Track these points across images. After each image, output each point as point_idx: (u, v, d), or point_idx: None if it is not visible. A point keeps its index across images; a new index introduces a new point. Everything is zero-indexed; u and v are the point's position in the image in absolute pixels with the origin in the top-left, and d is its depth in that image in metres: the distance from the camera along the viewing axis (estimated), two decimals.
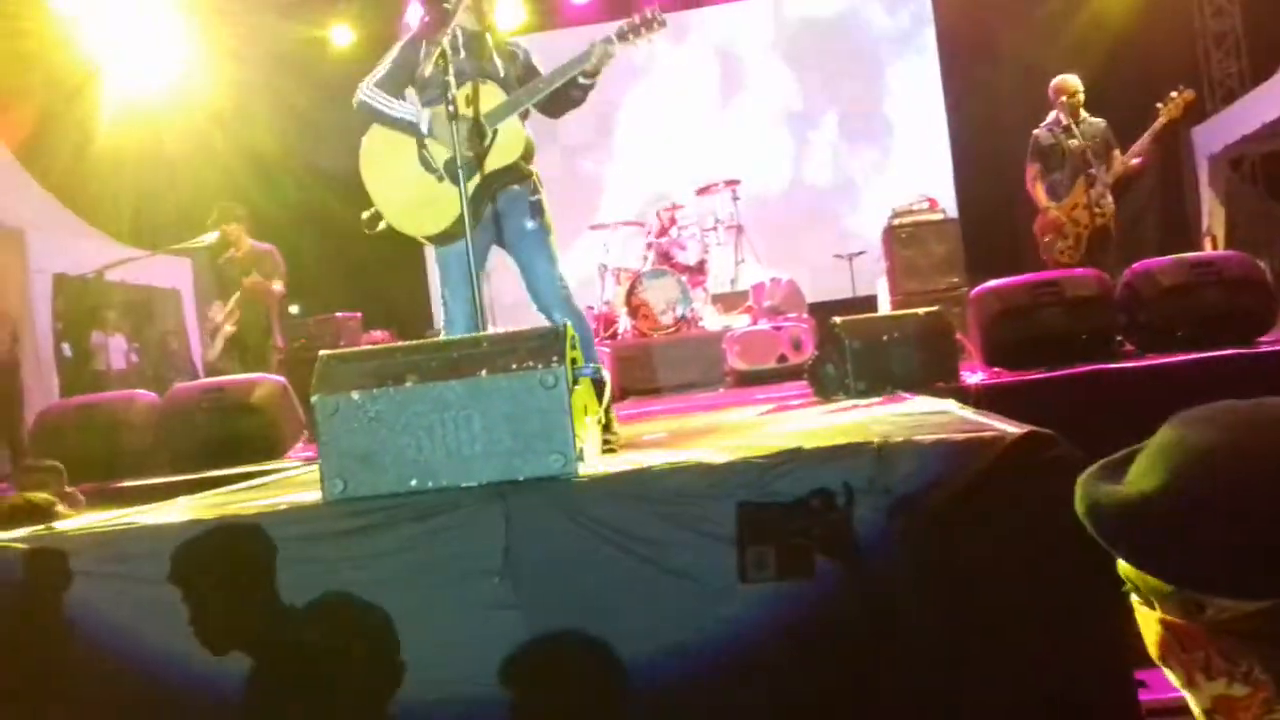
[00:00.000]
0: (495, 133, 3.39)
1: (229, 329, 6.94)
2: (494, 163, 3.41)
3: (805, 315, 8.01)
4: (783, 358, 7.11)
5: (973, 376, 4.70)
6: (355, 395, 2.23)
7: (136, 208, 10.70)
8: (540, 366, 2.19)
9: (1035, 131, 6.88)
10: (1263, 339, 4.75)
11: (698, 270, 8.52)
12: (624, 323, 8.22)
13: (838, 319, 4.41)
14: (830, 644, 2.13)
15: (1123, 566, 1.05)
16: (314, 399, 2.27)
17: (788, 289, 8.41)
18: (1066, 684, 2.08)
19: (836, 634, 2.13)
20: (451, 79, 3.15)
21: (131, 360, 9.65)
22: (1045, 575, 2.09)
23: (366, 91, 3.49)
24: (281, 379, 5.91)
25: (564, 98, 3.47)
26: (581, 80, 3.42)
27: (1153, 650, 1.06)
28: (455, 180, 3.27)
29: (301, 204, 10.13)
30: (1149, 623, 1.03)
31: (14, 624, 2.24)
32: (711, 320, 8.33)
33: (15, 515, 2.89)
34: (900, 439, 2.22)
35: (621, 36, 3.44)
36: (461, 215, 3.22)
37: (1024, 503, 2.08)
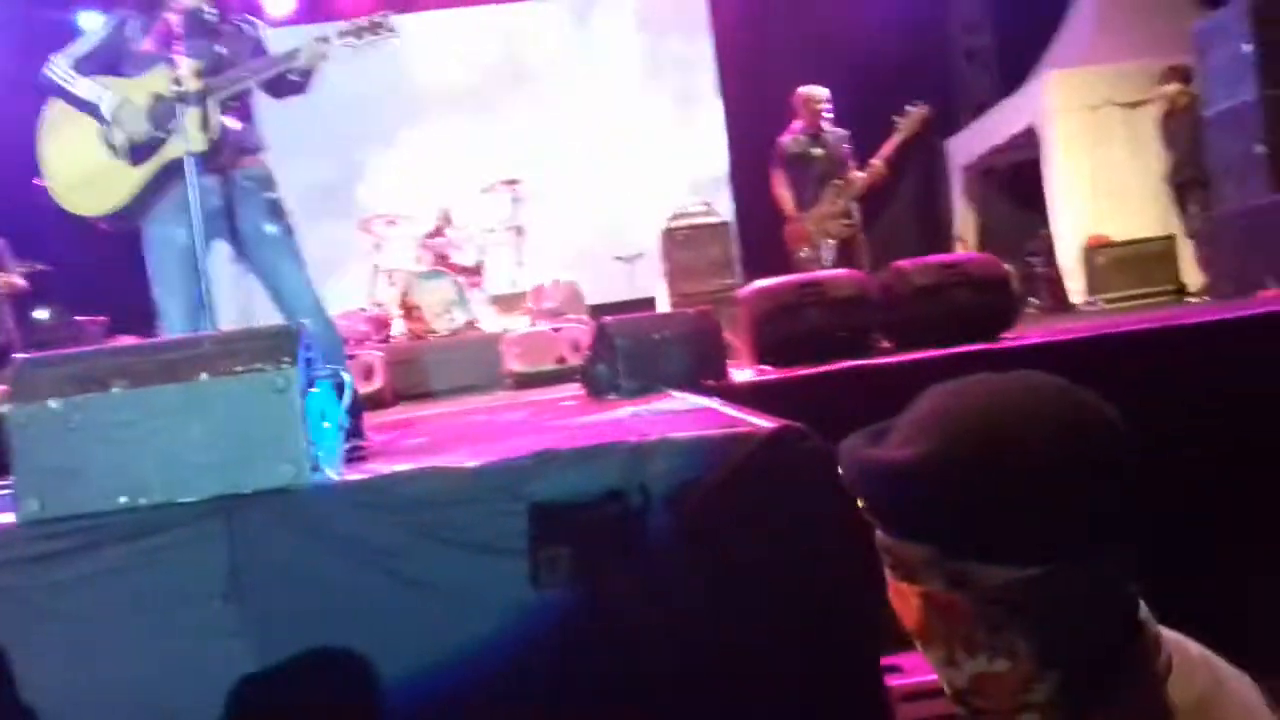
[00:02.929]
0: (183, 116, 3.09)
1: None
2: (178, 150, 3.10)
3: (585, 317, 7.97)
4: (561, 359, 7.02)
5: (741, 374, 4.77)
6: (53, 404, 1.98)
7: None
8: (269, 368, 2.01)
9: (780, 139, 7.08)
10: (1005, 334, 5.05)
11: (474, 271, 8.34)
12: (398, 325, 7.95)
13: (608, 319, 4.37)
14: (600, 648, 2.06)
15: (880, 539, 1.01)
16: (4, 409, 2.00)
17: (567, 291, 8.36)
18: (817, 670, 2.09)
19: (605, 636, 2.07)
20: (178, 56, 2.91)
21: None
22: (798, 566, 2.09)
23: (54, 66, 3.20)
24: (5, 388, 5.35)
25: (279, 86, 3.26)
26: (292, 77, 3.22)
27: (911, 626, 1.01)
28: (134, 160, 3.08)
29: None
30: (907, 598, 0.99)
31: None
32: (490, 322, 8.18)
33: None
34: (656, 437, 2.17)
35: (342, 35, 3.20)
36: (138, 196, 3.05)
37: (778, 496, 2.07)
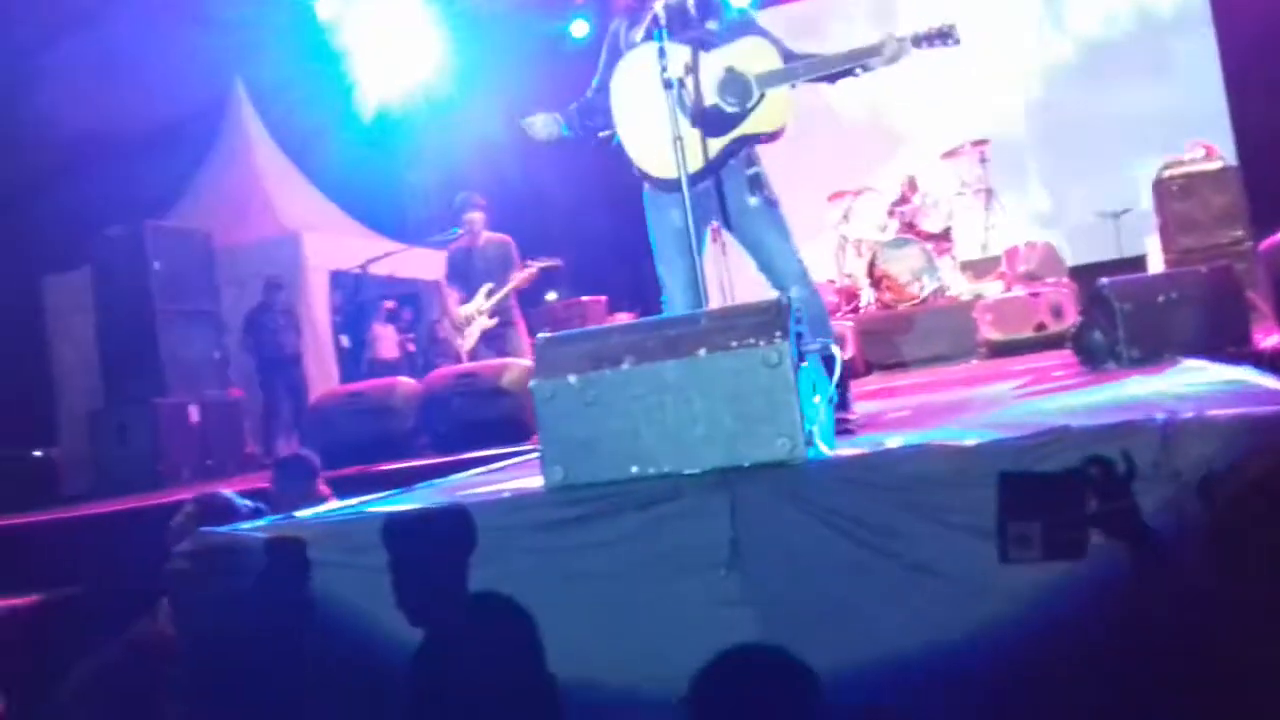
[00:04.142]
0: (763, 96, 3.26)
1: (487, 321, 7.04)
2: (751, 127, 3.28)
3: (1065, 279, 7.40)
4: (1041, 326, 6.58)
5: (1269, 339, 4.13)
6: (572, 379, 2.15)
7: (399, 204, 11.30)
8: (762, 343, 2.03)
9: None
10: None
11: (943, 237, 8.07)
12: (867, 295, 7.89)
13: (1105, 280, 3.98)
14: (1113, 649, 1.84)
15: None
16: (531, 384, 2.20)
17: (1044, 252, 7.82)
18: None
19: (1119, 637, 1.85)
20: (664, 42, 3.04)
21: (404, 349, 10.21)
22: None
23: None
24: (530, 363, 6.00)
25: (839, 74, 3.36)
26: (859, 71, 3.33)
27: None
28: (698, 127, 3.22)
29: (553, 191, 10.31)
30: None
31: (257, 609, 2.30)
32: (961, 288, 7.86)
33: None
34: (1190, 414, 1.90)
35: (916, 43, 3.27)
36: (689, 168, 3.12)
37: None
